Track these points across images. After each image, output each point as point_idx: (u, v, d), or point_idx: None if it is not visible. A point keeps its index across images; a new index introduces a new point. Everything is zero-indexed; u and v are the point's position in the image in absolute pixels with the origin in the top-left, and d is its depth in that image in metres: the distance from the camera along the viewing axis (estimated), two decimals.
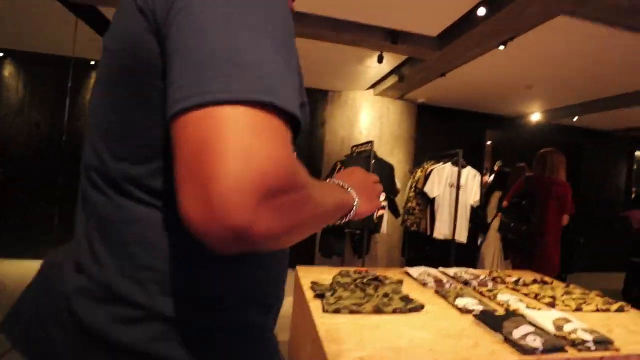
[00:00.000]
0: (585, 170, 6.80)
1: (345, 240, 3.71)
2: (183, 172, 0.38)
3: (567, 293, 1.97)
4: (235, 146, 0.36)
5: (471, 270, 2.31)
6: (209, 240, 0.37)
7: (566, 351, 1.26)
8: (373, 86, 4.90)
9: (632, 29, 2.84)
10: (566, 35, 3.12)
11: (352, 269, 2.04)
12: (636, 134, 6.79)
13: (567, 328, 1.36)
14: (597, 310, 1.75)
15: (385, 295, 1.67)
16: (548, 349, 1.23)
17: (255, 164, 0.36)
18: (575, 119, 5.98)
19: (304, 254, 4.53)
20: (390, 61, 3.88)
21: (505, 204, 3.37)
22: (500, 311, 1.58)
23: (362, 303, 1.55)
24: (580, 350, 1.27)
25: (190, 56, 0.40)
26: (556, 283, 2.21)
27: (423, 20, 3.08)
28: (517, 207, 3.00)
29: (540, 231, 2.92)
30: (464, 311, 1.58)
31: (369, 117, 4.86)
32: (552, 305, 1.76)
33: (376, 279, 1.86)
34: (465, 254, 4.39)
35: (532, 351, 1.21)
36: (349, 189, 0.66)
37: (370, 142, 3.56)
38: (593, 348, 1.28)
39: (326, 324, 1.37)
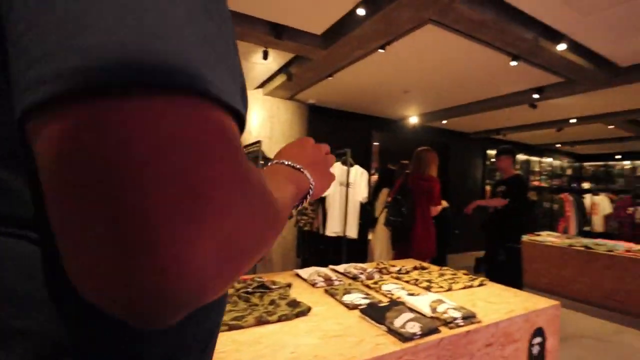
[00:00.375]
0: (451, 166, 7.80)
1: None
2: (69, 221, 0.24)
3: (440, 275, 2.13)
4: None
5: (360, 265, 2.34)
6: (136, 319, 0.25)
7: (439, 331, 1.31)
8: (262, 85, 4.78)
9: (481, 41, 3.27)
10: (434, 43, 3.45)
11: None
12: (488, 135, 8.06)
13: (440, 309, 1.44)
14: (464, 288, 1.92)
15: (272, 302, 1.55)
16: (425, 333, 1.26)
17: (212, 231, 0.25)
18: (444, 122, 6.80)
19: None
20: (277, 59, 3.81)
21: (388, 199, 3.59)
22: (384, 301, 1.59)
23: (244, 315, 1.40)
24: (451, 328, 1.35)
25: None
26: (432, 267, 2.38)
27: (307, 16, 3.07)
28: (396, 202, 3.22)
29: (413, 222, 3.18)
30: (351, 307, 1.55)
31: (258, 117, 4.72)
32: (428, 288, 1.87)
33: (262, 285, 1.72)
34: (356, 249, 4.57)
35: (410, 337, 1.23)
36: (302, 170, 0.55)
37: (259, 142, 3.42)
38: (461, 324, 1.38)
39: None
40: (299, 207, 0.58)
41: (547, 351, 1.67)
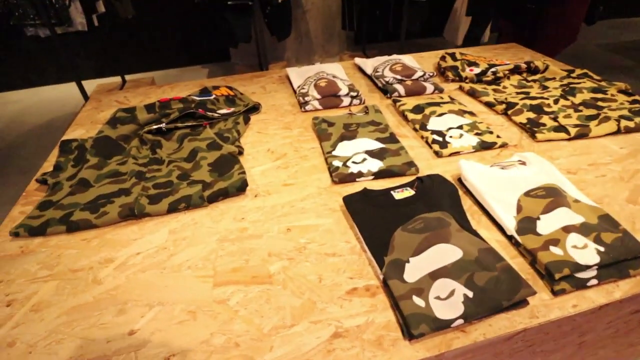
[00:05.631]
0: None
1: (251, 17, 2.50)
2: None
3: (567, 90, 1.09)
4: None
5: (416, 56, 1.34)
6: None
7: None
8: None
9: None
10: None
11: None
12: None
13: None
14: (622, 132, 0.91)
15: (192, 154, 0.78)
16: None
17: None
18: None
19: (216, 50, 3.34)
20: None
21: None
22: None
23: (129, 190, 0.68)
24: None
25: None
26: (557, 71, 1.29)
27: None
28: None
29: None
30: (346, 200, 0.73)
31: None
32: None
33: (194, 111, 0.92)
34: (432, 10, 3.21)
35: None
36: None
37: None
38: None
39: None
40: None
41: None
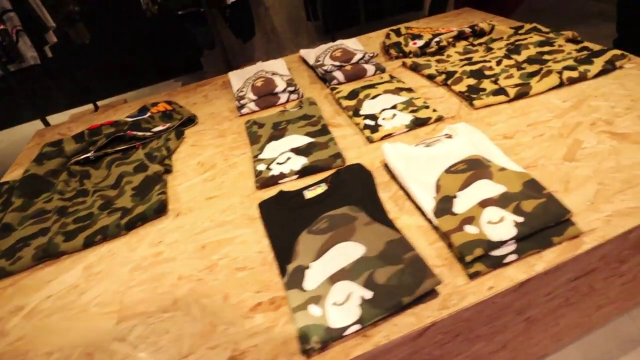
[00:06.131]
0: None
1: (208, 23, 2.44)
2: None
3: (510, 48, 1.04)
4: None
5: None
6: None
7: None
8: None
9: None
10: None
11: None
12: None
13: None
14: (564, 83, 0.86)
15: (118, 179, 0.76)
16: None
17: None
18: None
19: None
20: None
21: None
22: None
23: (49, 229, 0.66)
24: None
25: None
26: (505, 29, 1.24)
27: None
28: None
29: None
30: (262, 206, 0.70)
31: None
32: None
33: (124, 134, 0.89)
34: None
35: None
36: None
37: None
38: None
39: None
40: None
41: None
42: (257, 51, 3.28)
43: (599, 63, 0.86)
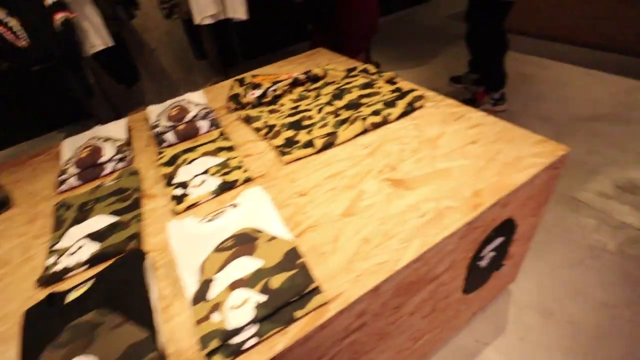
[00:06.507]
0: None
1: (81, 71, 2.30)
2: None
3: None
4: None
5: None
6: None
7: None
8: None
9: None
10: None
11: None
12: None
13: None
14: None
15: None
16: None
17: None
18: None
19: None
20: None
21: None
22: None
23: None
24: None
25: None
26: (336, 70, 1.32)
27: None
28: None
29: None
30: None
31: None
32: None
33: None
34: (253, 33, 3.25)
35: None
36: None
37: None
38: None
39: None
40: None
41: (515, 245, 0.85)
42: (147, 93, 3.16)
43: (401, 105, 0.94)
